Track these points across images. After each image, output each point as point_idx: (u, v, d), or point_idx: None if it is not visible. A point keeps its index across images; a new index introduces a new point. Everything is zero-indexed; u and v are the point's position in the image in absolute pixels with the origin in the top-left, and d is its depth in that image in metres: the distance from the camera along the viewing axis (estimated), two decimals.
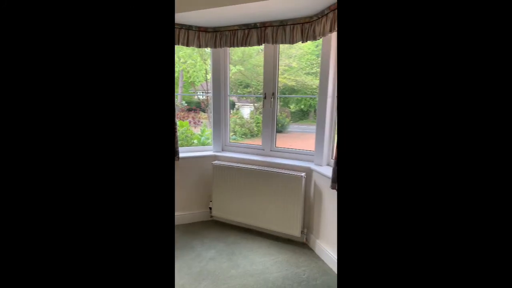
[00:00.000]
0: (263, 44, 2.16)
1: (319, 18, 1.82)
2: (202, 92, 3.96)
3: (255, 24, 2.11)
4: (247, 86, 3.25)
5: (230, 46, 2.23)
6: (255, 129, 3.41)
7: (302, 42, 1.98)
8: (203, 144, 2.99)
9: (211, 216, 2.58)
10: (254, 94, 3.07)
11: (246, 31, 2.14)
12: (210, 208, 2.54)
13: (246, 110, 3.65)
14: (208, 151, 2.63)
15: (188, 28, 2.19)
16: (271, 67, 2.33)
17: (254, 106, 3.50)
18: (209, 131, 3.15)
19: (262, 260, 1.99)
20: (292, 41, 1.99)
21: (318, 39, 1.91)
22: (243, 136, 3.41)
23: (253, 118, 3.45)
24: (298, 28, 1.96)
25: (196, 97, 4.19)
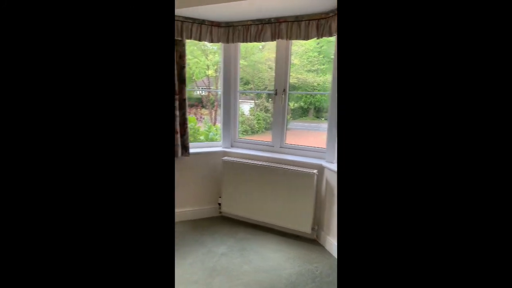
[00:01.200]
0: (275, 40, 2.14)
1: (335, 14, 1.81)
2: (202, 88, 3.94)
3: (269, 19, 2.09)
4: (247, 82, 3.25)
5: (243, 42, 2.21)
6: (256, 126, 3.39)
7: (317, 38, 1.97)
8: (211, 140, 2.98)
9: (220, 212, 2.58)
10: (262, 91, 3.05)
11: (260, 26, 2.12)
12: (219, 204, 2.54)
13: (245, 107, 3.65)
14: (217, 147, 2.62)
15: (201, 22, 2.16)
16: (283, 63, 2.31)
17: (255, 103, 3.48)
18: (216, 127, 3.13)
19: (274, 256, 2.00)
20: (307, 37, 1.98)
21: (334, 36, 1.90)
22: (243, 133, 3.41)
23: (253, 115, 3.44)
24: (314, 24, 1.94)
25: (198, 92, 4.17)
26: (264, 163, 2.29)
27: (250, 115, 3.47)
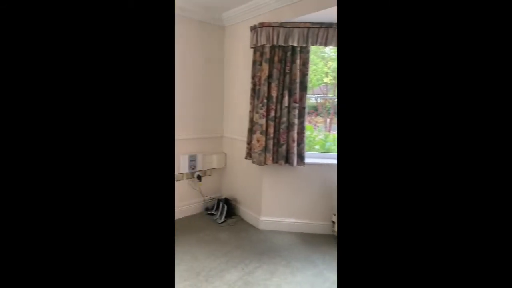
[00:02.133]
0: None
1: None
2: (318, 96, 3.82)
3: None
4: None
5: None
6: None
7: None
8: (327, 150, 2.79)
9: (334, 231, 2.35)
10: None
11: None
12: (333, 222, 2.31)
13: None
14: (335, 159, 2.40)
15: (328, 26, 2.04)
16: None
17: None
18: (333, 136, 2.92)
19: None
20: None
21: None
22: None
23: None
24: None
25: (315, 99, 4.09)
26: None
27: None
